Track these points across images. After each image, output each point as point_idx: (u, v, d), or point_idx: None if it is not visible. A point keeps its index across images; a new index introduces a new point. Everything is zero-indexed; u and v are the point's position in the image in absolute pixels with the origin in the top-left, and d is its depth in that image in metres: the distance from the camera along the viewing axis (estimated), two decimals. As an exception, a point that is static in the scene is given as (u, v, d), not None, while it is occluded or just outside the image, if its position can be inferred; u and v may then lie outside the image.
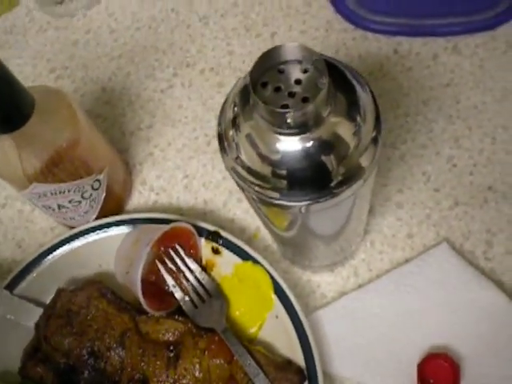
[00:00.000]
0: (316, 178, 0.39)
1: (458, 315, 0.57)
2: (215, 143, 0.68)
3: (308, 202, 0.40)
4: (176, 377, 0.55)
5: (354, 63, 0.70)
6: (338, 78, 0.40)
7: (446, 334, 0.57)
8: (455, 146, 0.65)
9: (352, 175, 0.40)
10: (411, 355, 0.56)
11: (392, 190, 0.64)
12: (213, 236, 0.60)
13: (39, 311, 0.59)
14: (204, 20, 0.77)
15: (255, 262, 0.58)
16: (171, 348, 0.56)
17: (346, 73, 0.42)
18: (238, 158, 0.41)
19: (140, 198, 0.69)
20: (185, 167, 0.69)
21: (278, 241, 0.59)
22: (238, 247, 0.59)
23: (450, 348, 0.56)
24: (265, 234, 0.64)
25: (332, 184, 0.39)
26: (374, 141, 0.41)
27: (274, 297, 0.57)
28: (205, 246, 0.60)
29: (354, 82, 0.41)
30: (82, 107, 0.58)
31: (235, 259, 0.59)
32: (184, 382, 0.55)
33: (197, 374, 0.55)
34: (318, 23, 0.74)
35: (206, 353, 0.55)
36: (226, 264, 0.60)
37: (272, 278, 0.58)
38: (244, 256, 0.59)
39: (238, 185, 0.43)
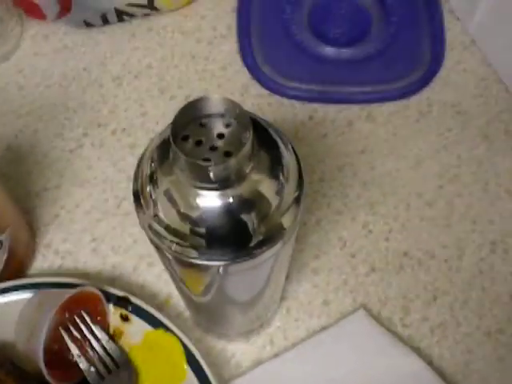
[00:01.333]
0: (236, 237, 0.37)
1: (377, 382, 0.56)
2: (125, 205, 0.67)
3: (227, 262, 0.38)
4: None
5: (270, 128, 0.70)
6: (261, 135, 0.39)
7: (365, 403, 0.55)
8: (370, 212, 0.65)
9: (273, 235, 0.38)
10: (329, 427, 0.54)
11: (308, 256, 0.63)
12: (122, 302, 0.57)
13: None
14: (117, 80, 0.76)
15: (167, 329, 0.55)
16: (74, 423, 0.52)
17: (269, 130, 0.41)
18: (155, 215, 0.39)
19: (44, 261, 0.65)
20: (93, 230, 0.66)
21: (192, 307, 0.57)
22: (149, 314, 0.56)
23: (369, 419, 0.55)
24: (177, 301, 0.62)
25: (252, 244, 0.38)
26: (297, 201, 0.39)
27: (186, 366, 0.54)
28: (113, 313, 0.57)
29: (278, 140, 0.41)
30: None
31: (145, 327, 0.56)
32: None
33: None
34: (233, 87, 0.74)
35: (114, 428, 0.52)
36: (135, 332, 0.56)
37: (184, 346, 0.55)
38: (155, 323, 0.56)
39: (154, 244, 0.40)
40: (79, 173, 0.70)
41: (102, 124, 0.73)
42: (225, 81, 0.74)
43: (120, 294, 0.57)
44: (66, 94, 0.75)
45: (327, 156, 0.69)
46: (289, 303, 0.61)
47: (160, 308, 0.60)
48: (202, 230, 0.37)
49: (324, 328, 0.59)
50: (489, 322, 0.60)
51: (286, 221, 0.39)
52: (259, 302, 0.52)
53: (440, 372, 0.57)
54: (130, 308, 0.56)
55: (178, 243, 0.38)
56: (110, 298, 0.57)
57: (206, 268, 0.39)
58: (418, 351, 0.58)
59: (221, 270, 0.39)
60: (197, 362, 0.54)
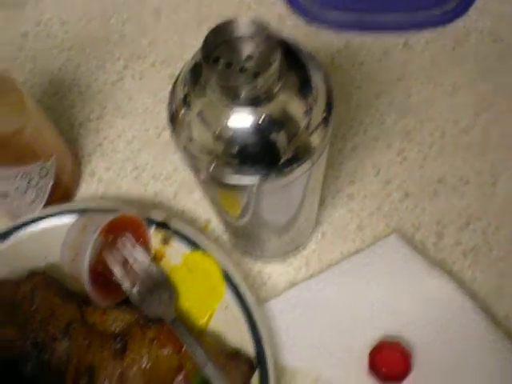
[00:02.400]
0: (266, 155, 0.39)
1: (408, 304, 0.57)
2: (166, 135, 0.69)
3: (259, 180, 0.40)
4: (123, 367, 0.54)
5: (307, 57, 0.71)
6: (290, 57, 0.40)
7: (398, 322, 0.57)
8: (406, 139, 0.66)
9: (302, 154, 0.40)
10: (363, 344, 0.56)
11: (343, 182, 0.65)
12: (162, 226, 0.59)
13: (-18, 303, 0.57)
14: (156, 13, 0.77)
15: (205, 251, 0.58)
16: (118, 339, 0.54)
17: (298, 52, 0.42)
18: (189, 136, 0.40)
19: (88, 189, 0.67)
20: (134, 159, 0.68)
21: (230, 231, 0.59)
22: (188, 237, 0.58)
23: (402, 336, 0.56)
24: (215, 226, 0.64)
25: (282, 161, 0.39)
26: (325, 121, 0.40)
27: (224, 286, 0.56)
28: (154, 236, 0.59)
29: (308, 62, 0.41)
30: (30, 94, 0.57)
31: (184, 249, 0.58)
32: (131, 372, 0.53)
33: (145, 364, 0.53)
34: (269, 18, 0.74)
35: (155, 343, 0.54)
36: (175, 254, 0.59)
37: (222, 267, 0.57)
38: (194, 246, 0.58)
39: (190, 165, 0.42)
40: (121, 104, 0.72)
41: (142, 56, 0.74)
42: (261, 12, 0.75)
43: (160, 218, 0.59)
44: (107, 28, 0.77)
45: (364, 83, 0.69)
46: (324, 228, 0.63)
47: (199, 232, 0.62)
48: (235, 150, 0.39)
49: (358, 251, 0.61)
50: (522, 247, 0.61)
51: (315, 140, 0.40)
52: (294, 224, 0.53)
53: (472, 294, 0.58)
54: (169, 231, 0.59)
55: (212, 163, 0.40)
56: (150, 222, 0.59)
57: (240, 187, 0.41)
58: (450, 274, 0.59)
59: (254, 188, 0.41)
60: (234, 281, 0.56)
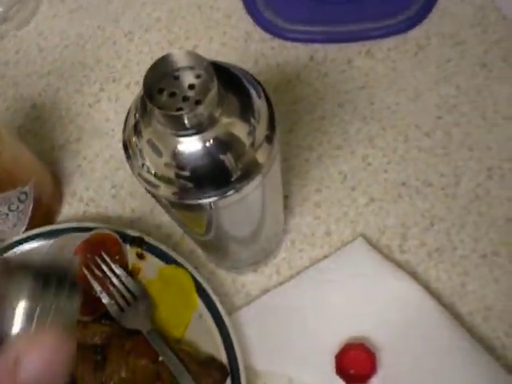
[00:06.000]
0: (217, 175, 0.41)
1: (374, 307, 0.60)
2: (142, 153, 0.71)
3: (214, 199, 0.42)
4: (104, 378, 0.57)
5: (273, 72, 0.73)
6: (230, 82, 0.42)
7: (364, 325, 0.59)
8: (370, 145, 0.68)
9: (250, 170, 0.42)
10: (331, 347, 0.59)
11: (310, 191, 0.67)
12: (136, 242, 0.62)
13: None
14: (129, 36, 0.80)
15: (178, 264, 0.61)
16: (98, 350, 0.57)
17: (239, 76, 0.44)
18: (142, 163, 0.43)
19: (70, 209, 0.70)
20: (112, 177, 0.71)
21: (200, 246, 0.61)
22: (161, 251, 0.62)
23: (368, 338, 0.58)
24: (190, 239, 0.66)
25: (232, 179, 0.42)
26: (268, 139, 0.43)
27: (196, 297, 0.59)
28: (130, 252, 0.62)
29: (248, 85, 0.44)
30: (5, 122, 0.60)
31: (159, 263, 0.61)
32: (111, 383, 0.56)
33: (123, 374, 0.56)
34: (237, 34, 0.77)
35: (132, 354, 0.57)
36: (150, 268, 0.62)
37: (194, 278, 0.60)
38: (167, 260, 0.61)
39: (147, 190, 0.45)
40: (98, 125, 0.75)
41: (117, 78, 0.77)
42: (229, 28, 0.78)
43: (135, 234, 0.63)
44: (83, 53, 0.80)
45: (328, 94, 0.71)
46: (293, 236, 0.65)
47: (175, 246, 0.66)
48: (186, 174, 0.41)
49: (326, 257, 0.63)
50: (485, 245, 0.63)
51: (261, 157, 0.42)
52: (259, 235, 0.55)
53: (437, 294, 0.61)
54: (144, 247, 0.62)
55: (166, 188, 0.42)
56: (126, 238, 0.62)
57: (197, 207, 0.44)
58: (415, 275, 0.61)
59: (212, 206, 0.43)
60: (205, 291, 0.59)
